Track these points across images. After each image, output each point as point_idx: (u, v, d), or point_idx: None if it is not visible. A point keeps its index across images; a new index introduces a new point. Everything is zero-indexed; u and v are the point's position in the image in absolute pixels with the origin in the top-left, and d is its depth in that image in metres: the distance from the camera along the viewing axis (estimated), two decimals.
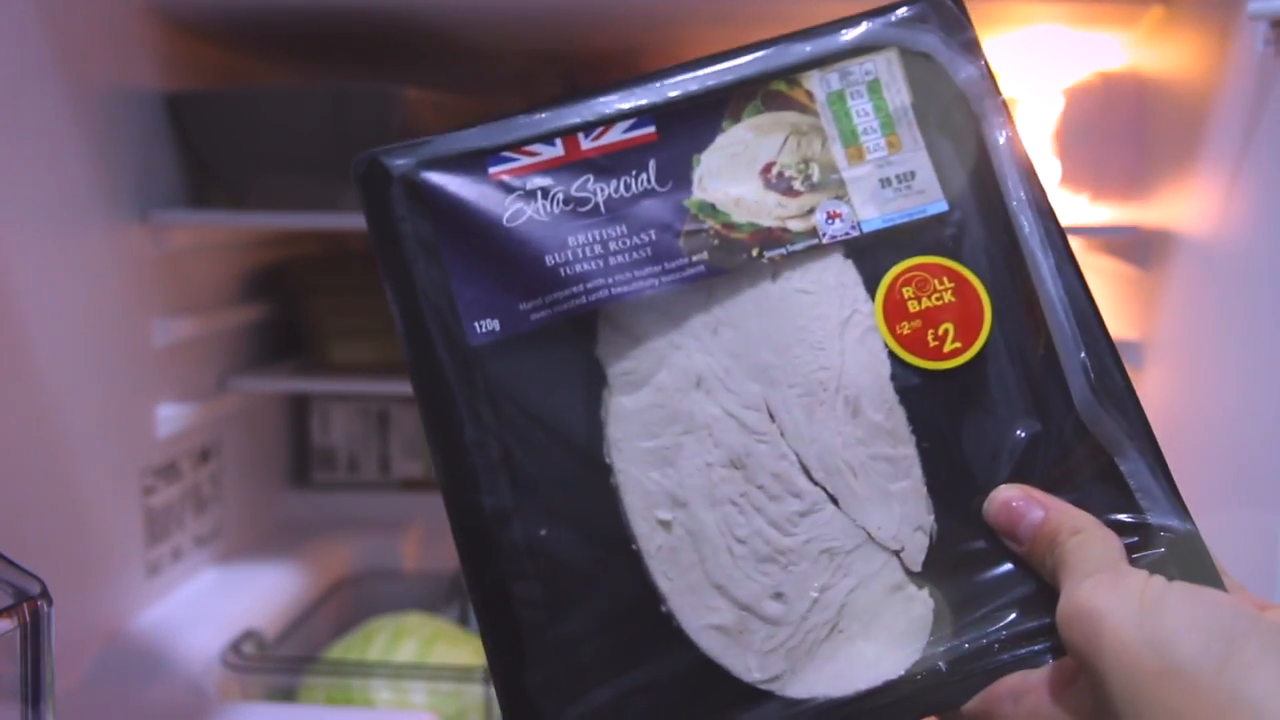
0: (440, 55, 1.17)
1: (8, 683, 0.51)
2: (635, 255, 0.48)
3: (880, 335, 0.48)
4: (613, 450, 0.48)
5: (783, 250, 0.48)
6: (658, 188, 0.49)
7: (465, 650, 1.02)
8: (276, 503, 1.30)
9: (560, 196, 0.48)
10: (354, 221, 1.00)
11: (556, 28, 1.06)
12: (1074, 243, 1.09)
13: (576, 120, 0.49)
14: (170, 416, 1.01)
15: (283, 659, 1.03)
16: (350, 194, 1.10)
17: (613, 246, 0.48)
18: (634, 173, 0.49)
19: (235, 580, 1.10)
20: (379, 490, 1.35)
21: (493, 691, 0.95)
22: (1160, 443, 0.48)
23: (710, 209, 0.49)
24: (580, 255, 0.48)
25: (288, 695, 1.00)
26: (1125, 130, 1.03)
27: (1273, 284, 0.74)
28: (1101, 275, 1.09)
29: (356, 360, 1.21)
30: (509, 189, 0.48)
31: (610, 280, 0.48)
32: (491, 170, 0.48)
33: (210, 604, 1.04)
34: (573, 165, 0.49)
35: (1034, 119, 1.27)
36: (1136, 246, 0.99)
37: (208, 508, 1.11)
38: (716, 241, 0.48)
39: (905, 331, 0.48)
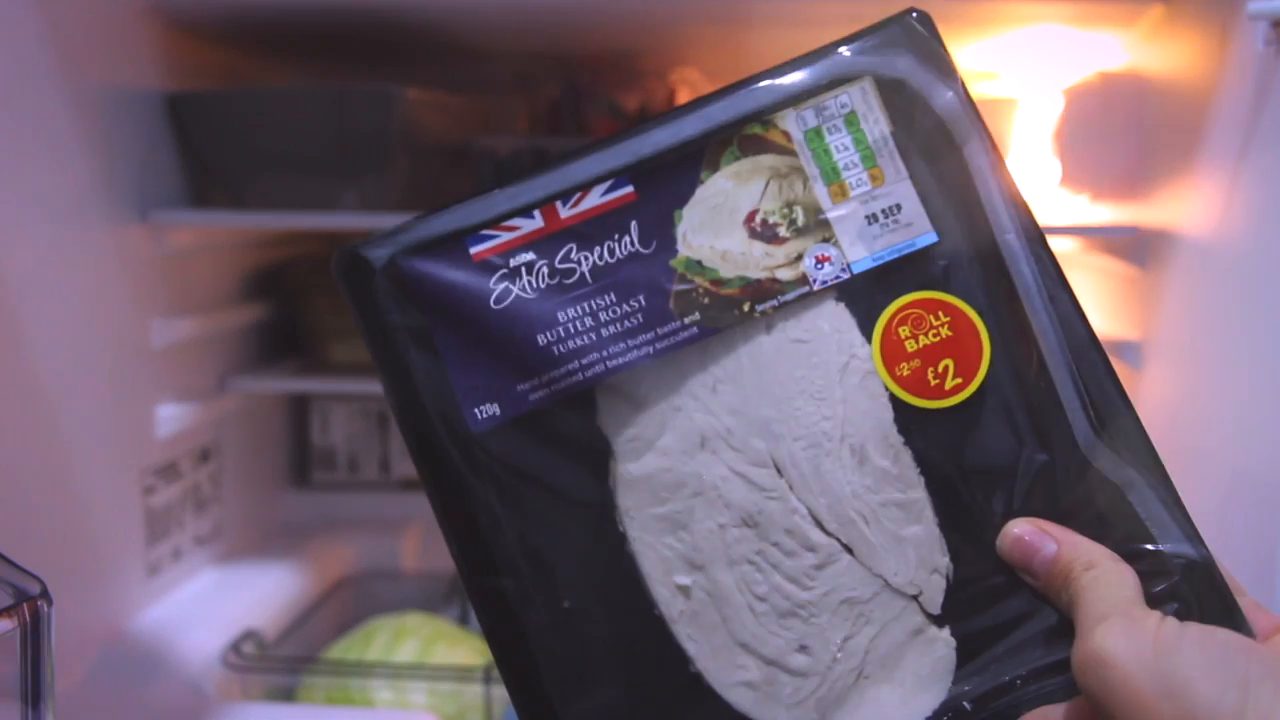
0: (440, 55, 1.17)
1: (8, 683, 0.51)
2: (627, 324, 0.48)
3: (880, 378, 0.48)
4: (625, 519, 0.48)
5: (774, 302, 0.48)
6: (642, 250, 0.48)
7: (465, 650, 1.02)
8: (276, 503, 1.30)
9: (545, 270, 0.48)
10: (354, 221, 1.00)
11: (556, 28, 1.06)
12: (1074, 243, 1.08)
13: (553, 189, 0.48)
14: (170, 416, 1.01)
15: (283, 659, 1.03)
16: (350, 193, 1.10)
17: (603, 317, 0.48)
18: (616, 236, 0.48)
19: (235, 580, 1.10)
20: (379, 490, 1.35)
21: (493, 691, 0.95)
22: (1160, 443, 0.47)
23: (697, 266, 0.48)
24: (572, 330, 0.47)
25: (288, 695, 1.00)
26: (1125, 130, 1.03)
27: (1273, 284, 0.74)
28: (1101, 275, 1.09)
29: (356, 360, 1.21)
30: (493, 268, 0.48)
31: (605, 353, 0.47)
32: (473, 251, 0.48)
33: (210, 604, 1.04)
34: (554, 236, 0.48)
35: (1034, 119, 1.27)
36: (1136, 246, 0.99)
37: (208, 508, 1.11)
38: (707, 300, 0.48)
39: (905, 373, 0.48)
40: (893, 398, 0.48)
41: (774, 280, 0.48)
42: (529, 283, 0.48)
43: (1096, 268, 1.10)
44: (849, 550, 0.47)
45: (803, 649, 0.47)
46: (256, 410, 1.24)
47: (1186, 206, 0.89)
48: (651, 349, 0.47)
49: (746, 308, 0.48)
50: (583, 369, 0.47)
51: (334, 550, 1.24)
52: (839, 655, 0.47)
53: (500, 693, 0.94)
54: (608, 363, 0.47)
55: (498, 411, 0.47)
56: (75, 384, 0.87)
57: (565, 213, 0.48)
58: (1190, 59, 0.90)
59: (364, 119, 1.00)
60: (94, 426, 0.90)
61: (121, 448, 0.95)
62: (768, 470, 0.48)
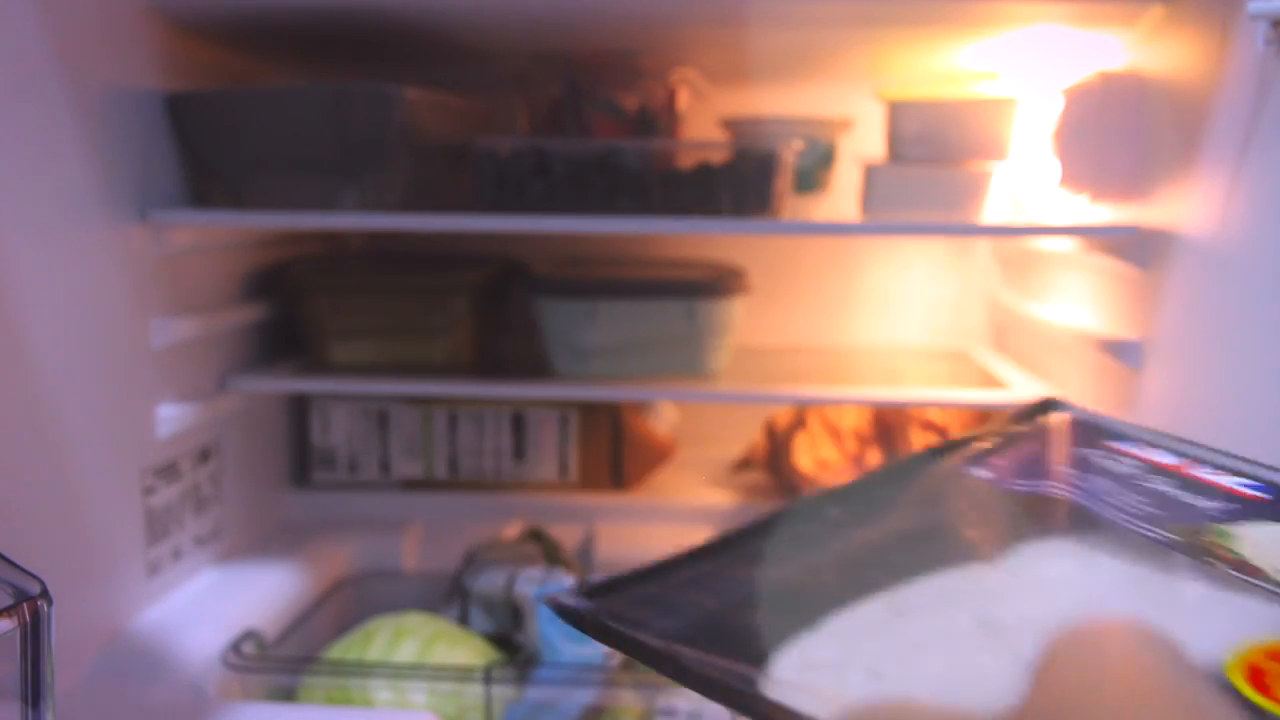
0: (440, 55, 1.17)
1: (8, 683, 0.51)
2: (1125, 503, 0.53)
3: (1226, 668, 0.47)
4: (884, 575, 0.46)
5: (1233, 573, 0.49)
6: (1201, 504, 0.53)
7: (465, 650, 1.02)
8: (276, 503, 1.30)
9: (1131, 474, 0.56)
10: (354, 221, 1.00)
11: (556, 28, 1.06)
12: (1074, 243, 1.08)
13: (1207, 459, 0.57)
14: (170, 416, 1.01)
15: (283, 659, 1.03)
16: (350, 193, 1.10)
17: (1120, 497, 0.54)
18: (1203, 498, 0.54)
19: (235, 580, 1.10)
20: (379, 490, 1.35)
21: (493, 691, 0.95)
22: None
23: (1225, 535, 0.51)
24: (1099, 491, 0.54)
25: (288, 695, 1.00)
26: (1125, 130, 1.03)
27: (1273, 284, 0.74)
28: (1101, 275, 1.09)
29: (356, 360, 1.21)
30: (1110, 457, 0.57)
31: (1090, 495, 0.54)
32: (1110, 444, 0.58)
33: (210, 604, 1.04)
34: (1166, 471, 0.56)
35: (1034, 119, 1.27)
36: (1136, 246, 0.99)
37: (208, 508, 1.11)
38: (1205, 557, 0.49)
39: (1251, 672, 0.48)
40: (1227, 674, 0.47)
41: (1259, 569, 0.49)
42: (1113, 466, 0.57)
43: (1096, 268, 1.10)
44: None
45: (876, 675, 0.42)
46: (256, 410, 1.24)
47: (1186, 206, 0.89)
48: (1118, 516, 0.52)
49: (1213, 562, 0.49)
50: (1067, 484, 0.54)
51: (334, 550, 1.24)
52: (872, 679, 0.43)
53: (500, 692, 0.94)
54: (1081, 497, 0.54)
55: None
56: (75, 384, 0.87)
57: (1195, 470, 0.56)
58: (1190, 59, 0.90)
59: (364, 119, 1.00)
60: (94, 426, 0.90)
61: (121, 448, 0.95)
62: (981, 640, 0.44)
